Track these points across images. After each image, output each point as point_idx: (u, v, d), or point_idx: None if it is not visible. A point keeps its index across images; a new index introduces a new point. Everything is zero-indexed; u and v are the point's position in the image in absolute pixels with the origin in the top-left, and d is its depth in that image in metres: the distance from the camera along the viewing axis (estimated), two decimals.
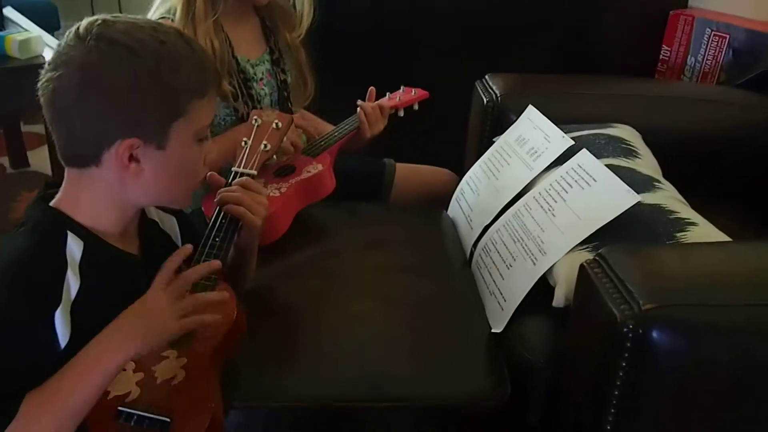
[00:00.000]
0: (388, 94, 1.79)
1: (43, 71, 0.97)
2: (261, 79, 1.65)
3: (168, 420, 0.95)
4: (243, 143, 1.26)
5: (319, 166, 1.60)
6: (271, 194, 1.52)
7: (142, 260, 1.08)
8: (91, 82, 0.94)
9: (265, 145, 1.26)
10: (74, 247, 0.98)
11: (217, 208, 1.16)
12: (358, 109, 1.68)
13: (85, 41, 0.94)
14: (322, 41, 1.76)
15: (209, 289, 1.06)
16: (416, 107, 1.82)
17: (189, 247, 1.05)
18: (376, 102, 1.72)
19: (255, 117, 1.30)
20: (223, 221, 1.14)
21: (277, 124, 1.30)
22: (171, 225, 1.18)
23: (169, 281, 0.99)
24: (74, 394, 0.91)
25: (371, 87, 1.73)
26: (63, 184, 1.03)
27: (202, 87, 1.00)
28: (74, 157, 1.00)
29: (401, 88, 1.83)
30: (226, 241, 1.12)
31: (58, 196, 1.03)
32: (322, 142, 1.66)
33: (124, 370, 0.97)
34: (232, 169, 1.20)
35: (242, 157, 1.23)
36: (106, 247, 1.02)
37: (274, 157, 1.63)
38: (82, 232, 1.00)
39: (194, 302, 1.00)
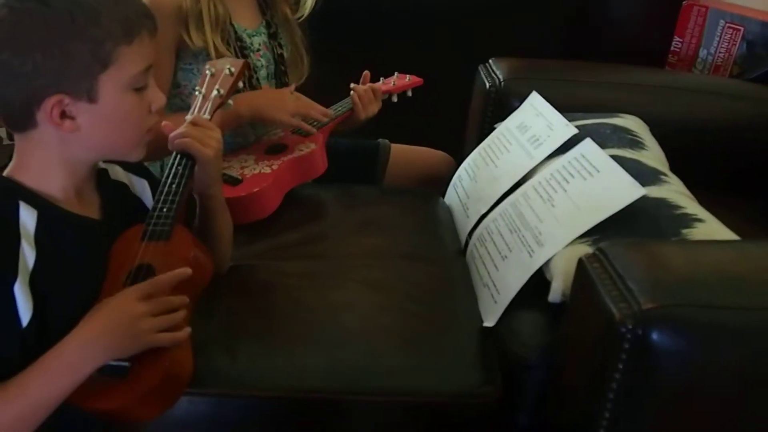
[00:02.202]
0: (382, 79, 1.78)
1: None
2: (258, 50, 1.62)
3: (126, 365, 0.93)
4: (197, 92, 1.22)
5: (312, 146, 1.57)
6: (262, 171, 1.49)
7: (102, 222, 1.04)
8: (4, 41, 0.91)
9: (219, 91, 1.21)
10: (27, 216, 0.94)
11: (173, 154, 1.13)
12: (352, 91, 1.68)
13: None
14: (321, 23, 1.72)
15: (165, 234, 1.03)
16: (410, 93, 1.82)
17: (187, 270, 0.99)
18: (369, 84, 1.71)
19: (209, 67, 1.27)
20: (179, 167, 1.11)
21: (229, 69, 1.25)
22: (143, 189, 1.15)
23: (150, 295, 0.95)
24: (41, 394, 0.89)
25: (366, 71, 1.73)
26: (14, 151, 0.99)
27: (129, 33, 0.95)
28: (10, 121, 0.97)
29: (395, 74, 1.82)
30: (181, 185, 1.09)
31: (11, 164, 0.99)
32: (315, 122, 1.62)
33: None
34: (185, 118, 1.16)
35: (195, 106, 1.19)
36: (60, 213, 0.98)
37: (278, 132, 1.62)
38: (34, 199, 0.96)
39: (165, 305, 0.96)
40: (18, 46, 0.90)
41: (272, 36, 1.65)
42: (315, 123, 1.61)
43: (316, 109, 1.58)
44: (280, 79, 1.67)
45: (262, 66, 1.63)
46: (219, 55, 1.49)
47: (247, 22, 1.61)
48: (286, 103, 1.55)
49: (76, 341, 0.91)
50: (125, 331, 0.93)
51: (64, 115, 0.93)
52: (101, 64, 0.93)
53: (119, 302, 0.94)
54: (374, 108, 1.69)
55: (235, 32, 1.56)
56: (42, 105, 0.92)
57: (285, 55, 1.67)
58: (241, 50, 1.57)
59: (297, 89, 1.69)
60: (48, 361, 0.89)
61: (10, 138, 2.89)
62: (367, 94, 1.68)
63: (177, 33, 1.48)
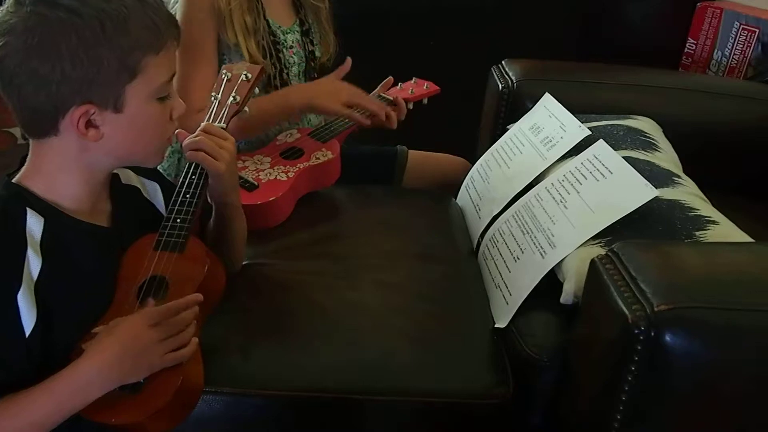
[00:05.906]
0: (400, 84, 1.76)
1: None
2: (291, 47, 1.64)
3: (140, 381, 0.93)
4: (212, 98, 1.22)
5: (329, 154, 1.55)
6: (278, 177, 1.49)
7: (112, 230, 1.03)
8: (33, 48, 0.89)
9: (234, 98, 1.22)
10: (34, 224, 0.94)
11: (188, 164, 1.12)
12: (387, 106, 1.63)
13: (24, 6, 0.89)
14: (336, 23, 1.72)
15: (179, 246, 1.03)
16: (425, 102, 1.80)
17: (199, 296, 0.99)
18: (398, 100, 1.68)
19: (225, 71, 1.27)
20: (193, 176, 1.10)
21: (246, 75, 1.26)
22: (154, 192, 1.14)
23: (159, 320, 0.94)
24: (44, 414, 0.88)
25: (389, 77, 1.71)
26: (28, 156, 0.99)
27: (156, 43, 0.94)
28: (31, 127, 0.96)
29: (413, 79, 1.80)
30: (196, 195, 1.08)
31: (23, 169, 0.98)
32: (332, 128, 1.62)
33: (95, 332, 0.94)
34: (201, 124, 1.16)
35: (211, 112, 1.20)
36: (68, 221, 0.97)
37: (294, 132, 1.61)
38: (42, 206, 0.95)
39: (175, 327, 0.96)
40: (47, 54, 0.89)
41: (305, 33, 1.66)
42: (331, 129, 1.61)
43: (369, 101, 1.56)
44: (310, 75, 1.68)
45: (295, 63, 1.64)
46: (250, 56, 1.51)
47: (282, 19, 1.63)
48: (340, 93, 1.54)
49: (87, 367, 0.89)
50: (136, 359, 0.92)
51: (89, 124, 0.93)
52: (129, 74, 0.93)
53: (130, 328, 0.93)
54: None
55: (269, 27, 1.58)
56: (68, 114, 0.92)
57: (316, 53, 1.68)
58: (274, 45, 1.58)
59: (325, 71, 1.69)
60: (56, 384, 0.88)
61: (25, 137, 2.94)
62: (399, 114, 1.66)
63: (216, 26, 1.51)
